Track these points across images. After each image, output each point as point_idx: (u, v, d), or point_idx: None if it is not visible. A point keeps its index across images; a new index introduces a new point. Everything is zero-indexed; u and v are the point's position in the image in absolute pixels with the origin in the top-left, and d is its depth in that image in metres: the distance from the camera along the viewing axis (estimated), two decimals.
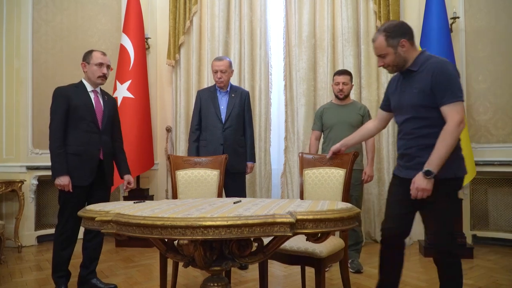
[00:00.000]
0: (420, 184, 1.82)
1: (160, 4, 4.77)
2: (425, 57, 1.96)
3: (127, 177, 2.88)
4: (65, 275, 2.66)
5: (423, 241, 3.77)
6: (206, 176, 2.77)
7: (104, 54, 2.76)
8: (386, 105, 2.20)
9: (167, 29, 4.61)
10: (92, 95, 2.73)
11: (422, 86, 1.89)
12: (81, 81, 2.76)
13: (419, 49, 3.92)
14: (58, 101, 2.63)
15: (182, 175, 2.75)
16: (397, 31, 1.95)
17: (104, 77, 2.73)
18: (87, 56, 2.73)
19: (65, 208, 2.60)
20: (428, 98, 1.88)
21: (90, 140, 2.66)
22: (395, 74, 2.12)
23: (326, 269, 2.60)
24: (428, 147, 1.88)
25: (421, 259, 3.52)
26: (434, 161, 1.81)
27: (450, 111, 1.82)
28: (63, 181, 2.55)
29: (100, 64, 2.69)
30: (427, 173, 1.80)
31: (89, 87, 2.73)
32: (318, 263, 2.06)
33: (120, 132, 2.96)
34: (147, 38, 4.54)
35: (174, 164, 2.77)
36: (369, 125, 2.37)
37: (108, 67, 2.76)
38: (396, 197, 2.07)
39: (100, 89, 2.82)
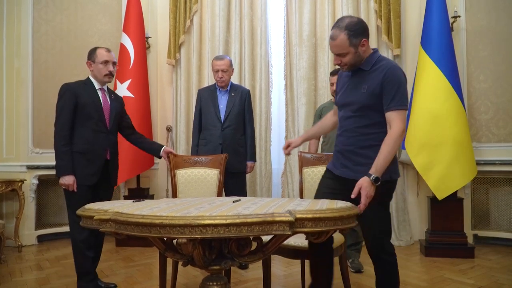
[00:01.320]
0: (369, 191, 1.76)
1: (161, 4, 4.77)
2: (377, 58, 1.94)
3: (167, 149, 2.79)
4: (93, 279, 2.58)
5: (423, 241, 3.76)
6: (206, 175, 2.76)
7: (108, 50, 2.70)
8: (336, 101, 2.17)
9: (167, 29, 4.60)
10: (100, 93, 2.68)
11: (372, 88, 1.88)
12: (88, 78, 2.70)
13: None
14: (66, 97, 2.56)
15: (182, 174, 2.75)
16: (359, 30, 1.87)
17: (110, 74, 2.67)
18: (91, 54, 2.68)
19: (72, 209, 2.48)
20: (376, 100, 1.87)
21: (97, 139, 2.61)
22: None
23: None
24: (367, 148, 1.90)
25: (422, 259, 3.51)
26: (380, 168, 1.79)
27: (395, 118, 1.82)
28: (68, 180, 2.50)
29: (106, 62, 2.64)
30: (376, 180, 1.77)
31: (96, 85, 2.68)
32: None
33: (131, 123, 2.91)
34: (147, 38, 4.54)
35: (174, 163, 2.76)
36: (331, 118, 2.26)
37: (114, 64, 2.70)
38: (328, 189, 2.02)
39: (107, 87, 2.77)
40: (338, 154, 2.03)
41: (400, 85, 1.85)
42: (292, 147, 2.18)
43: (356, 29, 1.86)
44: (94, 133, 2.60)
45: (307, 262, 2.62)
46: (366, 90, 1.89)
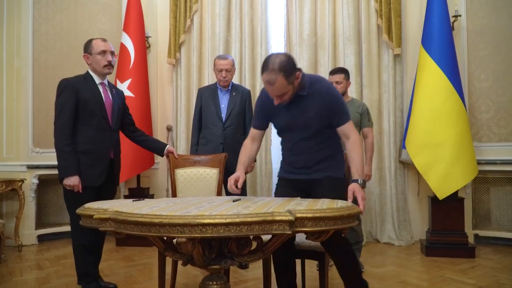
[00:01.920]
0: (363, 193, 1.86)
1: (161, 3, 4.76)
2: (309, 81, 1.98)
3: (170, 148, 2.75)
4: (93, 280, 2.53)
5: (424, 241, 3.75)
6: (205, 175, 2.76)
7: (104, 40, 2.56)
8: (262, 125, 2.20)
9: (167, 28, 4.59)
10: (100, 88, 2.54)
11: (317, 111, 1.97)
12: (88, 73, 2.54)
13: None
14: (66, 94, 2.41)
15: (182, 173, 2.75)
16: (292, 67, 1.85)
17: (110, 65, 2.53)
18: (87, 46, 2.54)
19: (73, 212, 2.25)
20: (324, 121, 2.00)
21: (100, 138, 2.49)
22: (264, 93, 2.07)
23: (329, 265, 2.61)
24: (324, 159, 2.05)
25: (422, 258, 3.50)
26: (360, 172, 1.95)
27: (350, 129, 2.01)
28: (73, 181, 2.37)
29: (103, 52, 2.49)
30: (364, 183, 1.92)
31: (97, 79, 2.53)
32: (322, 256, 2.11)
33: (133, 119, 2.82)
34: (147, 37, 4.53)
35: (174, 162, 2.76)
36: (252, 146, 2.23)
37: (113, 53, 2.55)
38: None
39: (108, 81, 2.63)
40: (297, 168, 2.11)
41: (341, 100, 2.02)
42: (241, 182, 2.04)
43: (289, 67, 1.84)
44: (97, 132, 2.48)
45: (307, 262, 2.62)
46: (314, 115, 1.97)
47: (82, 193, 2.40)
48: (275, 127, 2.17)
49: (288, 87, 1.87)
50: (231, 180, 2.03)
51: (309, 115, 1.97)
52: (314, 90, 1.96)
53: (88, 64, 2.56)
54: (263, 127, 2.22)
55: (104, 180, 2.53)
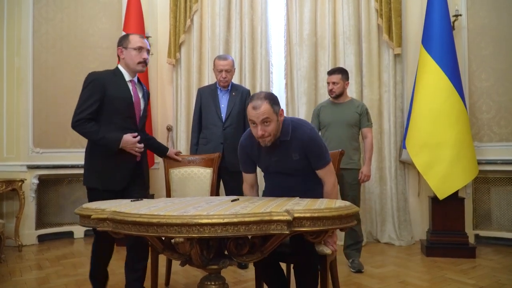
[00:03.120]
0: (335, 239, 2.09)
1: (161, 3, 4.76)
2: (291, 126, 2.03)
3: (173, 151, 2.75)
4: (97, 282, 2.52)
5: (425, 241, 3.74)
6: (199, 174, 2.79)
7: (142, 37, 2.43)
8: (251, 169, 2.24)
9: (167, 28, 4.60)
10: (130, 86, 2.37)
11: (301, 155, 2.03)
12: (117, 68, 2.39)
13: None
14: (93, 87, 2.26)
15: (176, 173, 2.78)
16: (276, 100, 1.96)
17: (144, 63, 2.38)
18: (123, 40, 2.40)
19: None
20: (308, 162, 2.06)
21: None
22: (243, 140, 2.14)
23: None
24: (314, 184, 2.10)
25: (423, 259, 3.50)
26: None
27: (327, 174, 2.07)
28: (128, 140, 2.24)
29: (140, 48, 2.35)
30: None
31: (127, 76, 2.37)
32: (324, 259, 2.09)
33: None
34: (147, 37, 4.52)
35: (168, 162, 2.79)
36: (253, 193, 2.30)
37: (148, 52, 2.43)
38: None
39: (138, 79, 2.47)
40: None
41: (321, 145, 2.05)
42: None
43: (274, 99, 1.95)
44: (123, 132, 2.29)
45: None
46: (299, 157, 2.04)
47: (103, 198, 2.20)
48: (261, 169, 2.22)
49: (273, 115, 1.91)
50: None
51: (295, 158, 2.04)
52: (296, 136, 2.02)
53: (120, 58, 2.40)
54: (254, 170, 2.24)
55: (128, 183, 2.35)
